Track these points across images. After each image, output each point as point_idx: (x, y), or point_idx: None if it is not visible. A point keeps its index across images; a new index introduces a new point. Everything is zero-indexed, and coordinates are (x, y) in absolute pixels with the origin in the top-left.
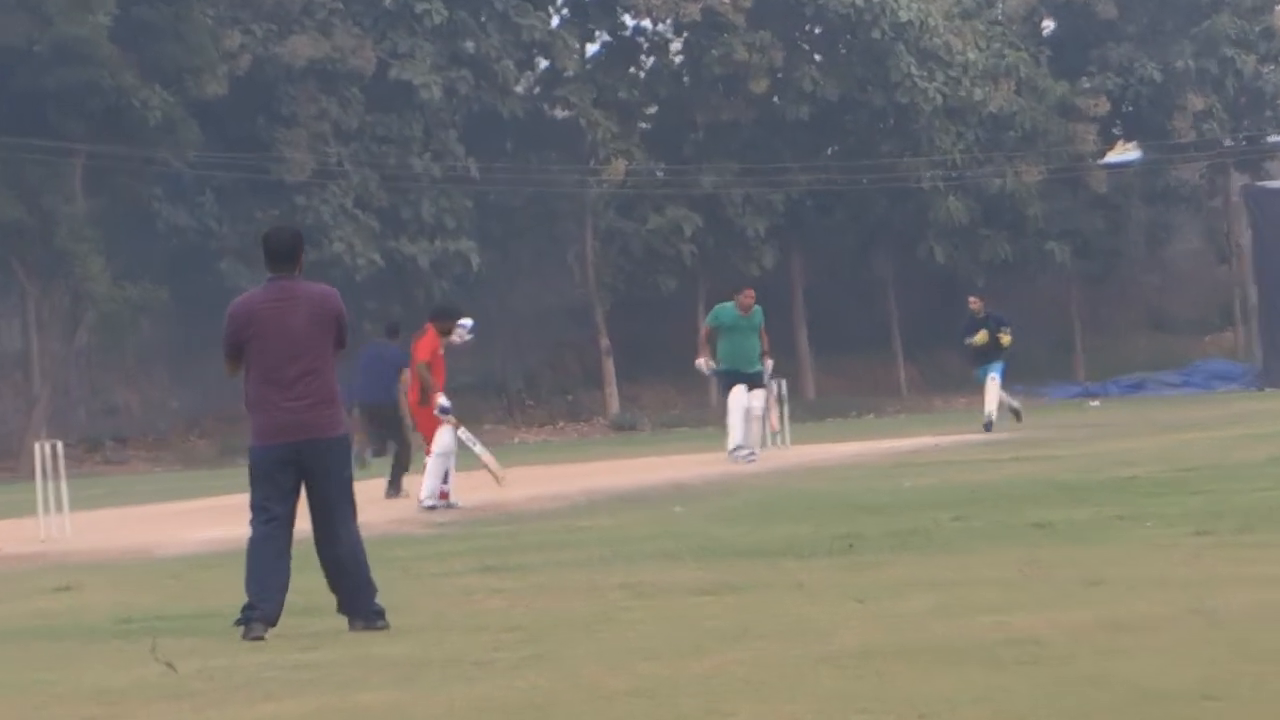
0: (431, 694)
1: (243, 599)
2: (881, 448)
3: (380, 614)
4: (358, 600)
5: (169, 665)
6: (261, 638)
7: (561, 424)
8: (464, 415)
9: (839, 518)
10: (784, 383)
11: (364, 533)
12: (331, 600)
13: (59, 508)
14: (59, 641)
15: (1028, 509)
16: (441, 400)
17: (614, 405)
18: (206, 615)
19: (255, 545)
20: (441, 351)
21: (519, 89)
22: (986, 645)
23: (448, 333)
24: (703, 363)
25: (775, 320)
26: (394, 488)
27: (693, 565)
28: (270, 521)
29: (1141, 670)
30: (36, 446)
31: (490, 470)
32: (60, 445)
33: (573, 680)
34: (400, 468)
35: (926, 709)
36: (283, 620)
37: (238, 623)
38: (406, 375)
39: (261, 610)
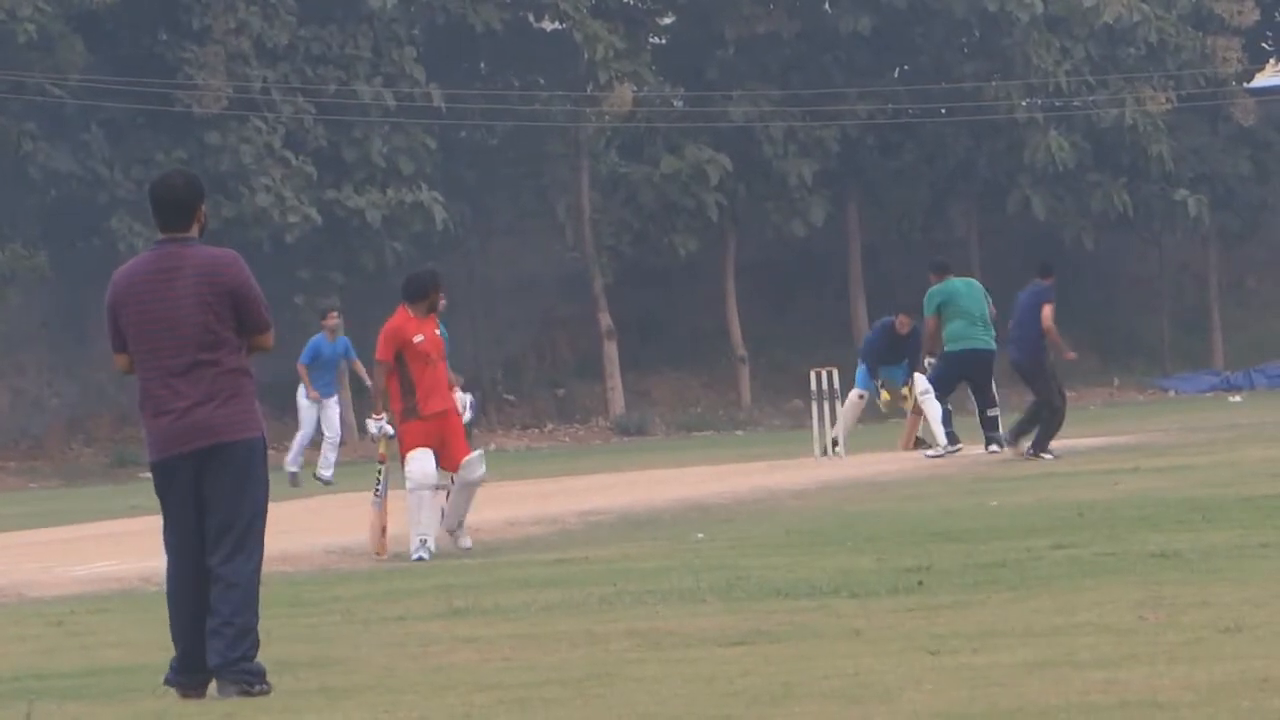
0: None
1: (145, 650)
2: (961, 456)
3: (260, 675)
4: (231, 654)
5: None
6: (201, 695)
7: (551, 426)
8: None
9: (906, 547)
10: (832, 374)
11: (298, 565)
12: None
13: None
14: None
15: (1148, 535)
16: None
17: (618, 402)
18: (96, 672)
19: (170, 583)
20: (419, 340)
21: None
22: (1094, 709)
23: (432, 309)
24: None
25: (824, 291)
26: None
27: (719, 608)
28: (180, 552)
29: None
30: None
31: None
32: None
33: None
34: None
35: None
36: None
37: (168, 680)
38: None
39: (195, 660)
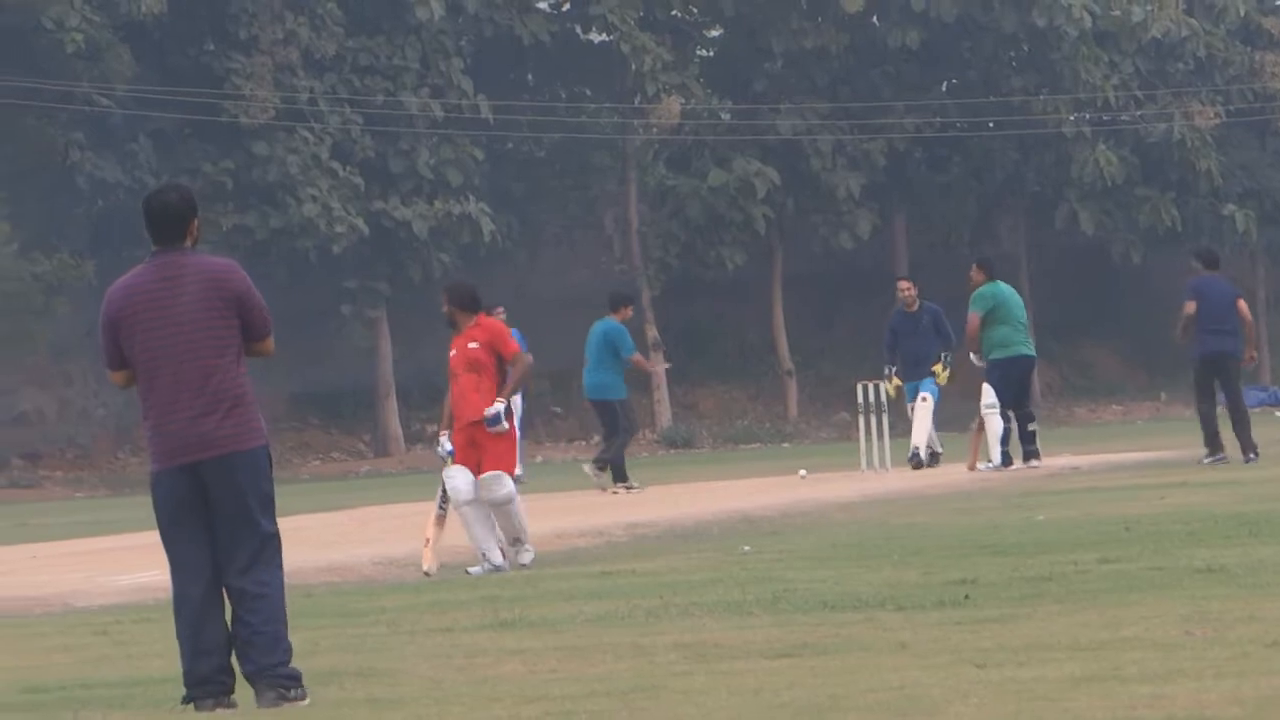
0: None
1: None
2: (1006, 471)
3: (296, 679)
4: (266, 660)
5: None
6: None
7: (597, 438)
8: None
9: (953, 560)
10: (878, 385)
11: (344, 576)
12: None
13: None
14: None
15: (1195, 550)
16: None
17: (665, 414)
18: (141, 682)
19: (178, 602)
20: (452, 354)
21: (543, 5)
22: None
23: (451, 324)
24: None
25: (871, 304)
26: None
27: (766, 620)
28: (186, 565)
29: None
30: None
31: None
32: None
33: None
34: None
35: None
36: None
37: (186, 700)
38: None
39: (201, 674)
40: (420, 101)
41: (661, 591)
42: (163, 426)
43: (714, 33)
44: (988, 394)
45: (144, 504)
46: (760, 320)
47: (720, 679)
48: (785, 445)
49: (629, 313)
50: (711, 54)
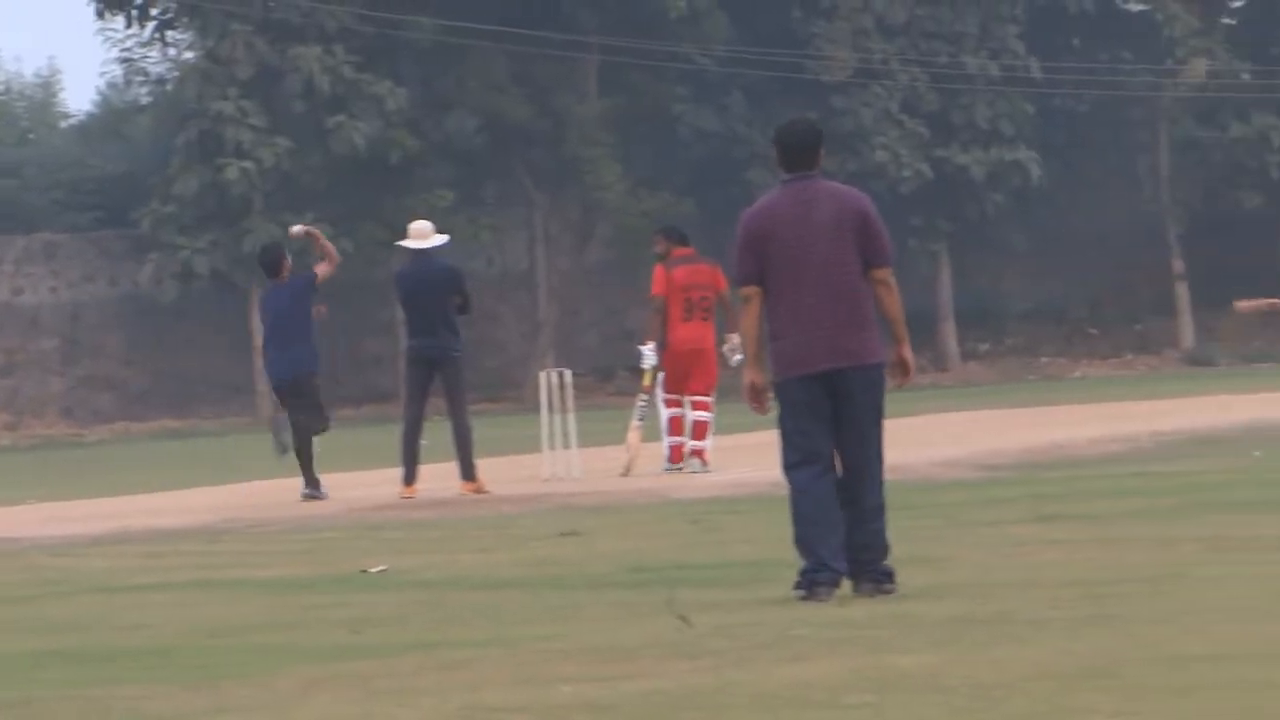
0: (976, 656)
1: (773, 546)
2: None
3: (889, 576)
4: (864, 558)
5: (685, 620)
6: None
7: (1129, 356)
8: (1018, 346)
9: None
10: None
11: (908, 474)
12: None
13: (566, 444)
14: (564, 592)
15: None
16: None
17: (1188, 337)
18: (728, 565)
19: (800, 494)
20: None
21: None
22: None
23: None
24: None
25: None
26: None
27: (1276, 518)
28: (812, 460)
29: None
30: (542, 376)
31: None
32: (569, 374)
33: (1140, 643)
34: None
35: None
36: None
37: (798, 586)
38: None
39: (826, 573)
40: (979, 62)
41: (1182, 491)
42: (797, 335)
43: (1237, 2)
44: None
45: (732, 411)
46: (1272, 255)
47: (1236, 568)
48: None
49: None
50: (1235, 21)
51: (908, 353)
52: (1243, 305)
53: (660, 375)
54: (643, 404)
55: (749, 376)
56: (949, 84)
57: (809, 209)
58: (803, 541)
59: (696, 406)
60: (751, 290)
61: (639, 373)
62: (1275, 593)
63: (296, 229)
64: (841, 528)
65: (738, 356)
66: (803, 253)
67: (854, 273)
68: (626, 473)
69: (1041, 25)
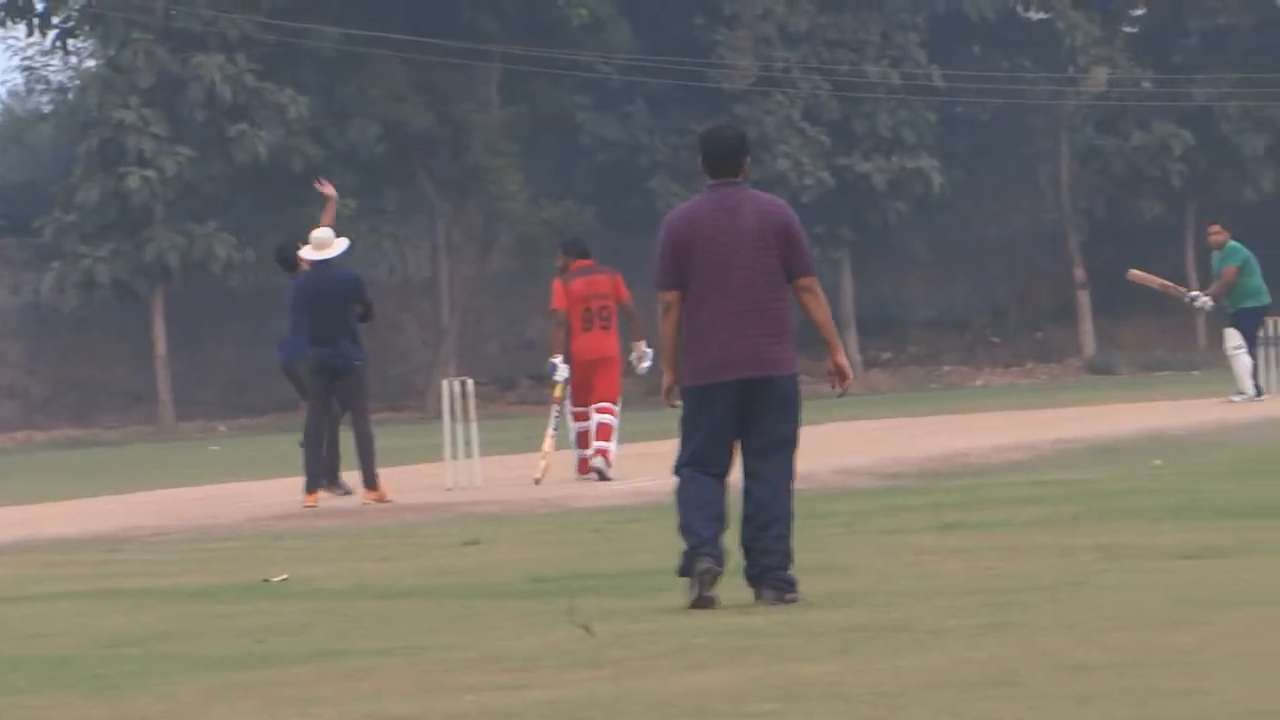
0: (878, 664)
1: (673, 555)
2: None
3: (791, 584)
4: (767, 562)
5: (586, 629)
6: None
7: (1030, 364)
8: (921, 354)
9: None
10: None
11: (810, 483)
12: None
13: (468, 453)
14: (466, 601)
15: None
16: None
17: (1089, 345)
18: (628, 574)
19: (685, 485)
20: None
21: None
22: None
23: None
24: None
25: (1273, 251)
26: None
27: (1175, 525)
28: (706, 464)
29: None
30: (444, 384)
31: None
32: (470, 383)
33: (1040, 651)
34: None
35: None
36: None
37: (681, 571)
38: None
39: (709, 546)
40: (880, 70)
41: (1082, 500)
42: (715, 343)
43: (1138, 11)
44: (1234, 336)
45: (640, 419)
46: (1173, 263)
47: (1134, 576)
48: (1195, 373)
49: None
50: (1136, 30)
51: (842, 359)
52: (1136, 274)
53: (567, 385)
54: (556, 414)
55: (668, 379)
56: (851, 92)
57: (731, 216)
58: (684, 525)
59: (601, 411)
60: (672, 296)
61: (549, 384)
62: (1174, 601)
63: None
64: (724, 523)
65: (645, 364)
66: (724, 260)
67: (775, 282)
68: (540, 480)
69: (943, 33)
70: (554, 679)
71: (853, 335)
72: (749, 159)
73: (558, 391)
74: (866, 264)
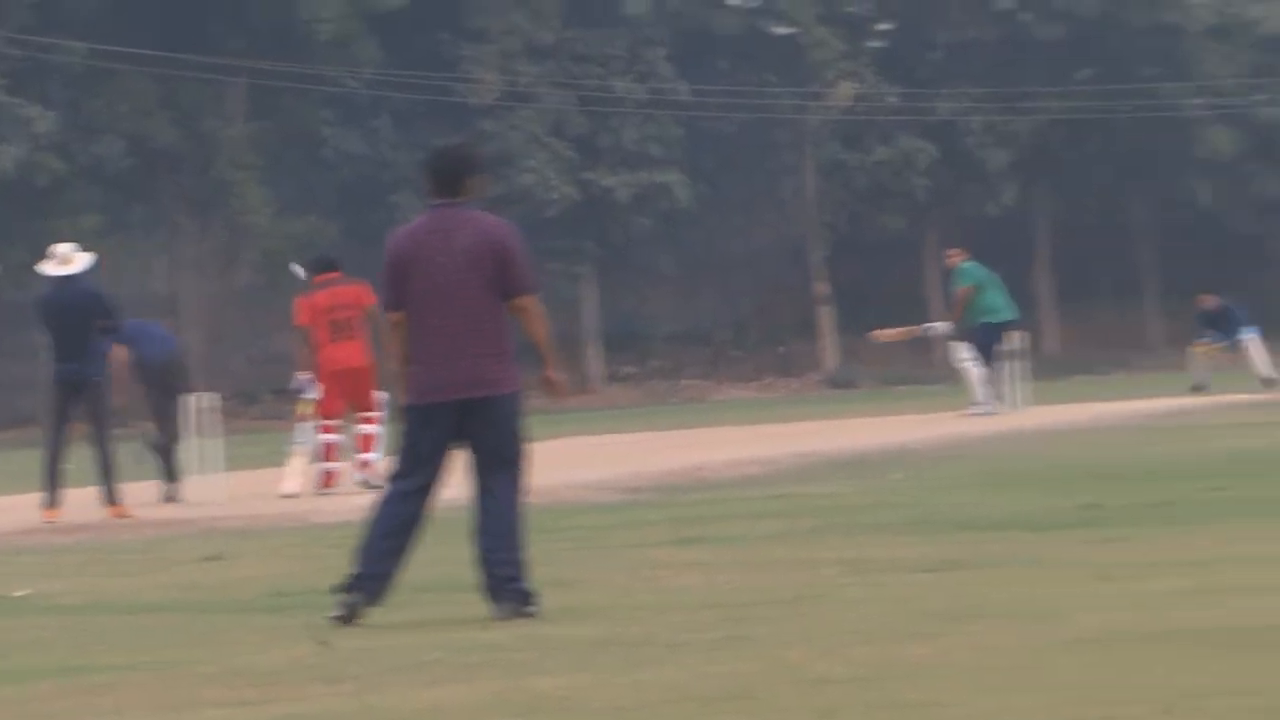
0: (617, 678)
1: (414, 570)
2: (1130, 409)
3: (528, 597)
4: (500, 574)
5: (326, 644)
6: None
7: (771, 379)
8: (664, 368)
9: (1079, 487)
10: (1016, 336)
11: (547, 498)
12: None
13: (211, 468)
14: (207, 616)
15: None
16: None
17: (831, 359)
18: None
19: (382, 509)
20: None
21: (735, 1)
22: (1244, 630)
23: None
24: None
25: (1015, 265)
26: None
27: (914, 538)
28: (418, 484)
29: None
30: (190, 399)
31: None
32: (214, 398)
33: (777, 664)
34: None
35: (1175, 702)
36: (457, 596)
37: (337, 589)
38: None
39: (370, 583)
40: (627, 85)
41: (823, 513)
42: (433, 362)
43: (883, 26)
44: (963, 349)
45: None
46: (914, 277)
47: (874, 589)
48: (934, 387)
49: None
50: (881, 45)
51: (553, 373)
52: (880, 334)
53: (316, 401)
54: (303, 429)
55: (401, 398)
56: (597, 107)
57: (449, 237)
58: (363, 550)
59: (363, 420)
60: (396, 317)
61: (297, 401)
62: (914, 613)
63: None
64: (402, 558)
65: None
66: (443, 280)
67: (492, 302)
68: (287, 495)
69: (689, 48)
70: (295, 693)
71: (597, 349)
72: (476, 179)
73: (305, 409)
74: (611, 278)
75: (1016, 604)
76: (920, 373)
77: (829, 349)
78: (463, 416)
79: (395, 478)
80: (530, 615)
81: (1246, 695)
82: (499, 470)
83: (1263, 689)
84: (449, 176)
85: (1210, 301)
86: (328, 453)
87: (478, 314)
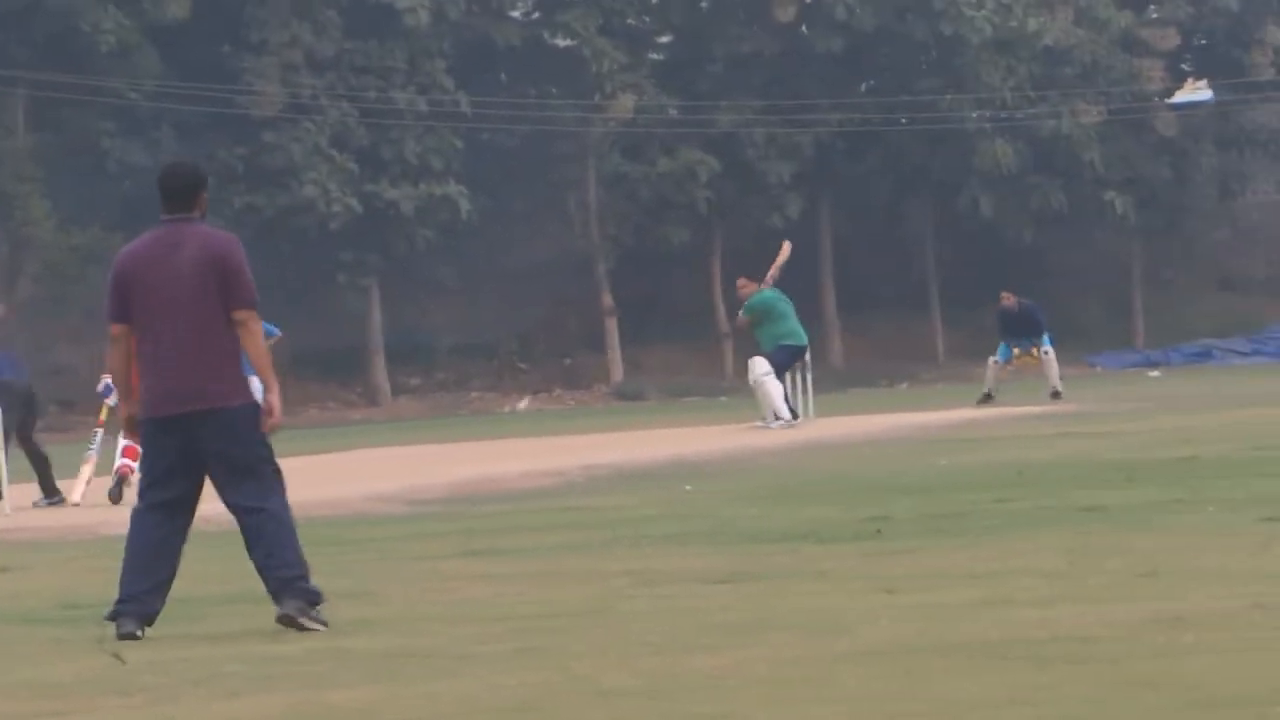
0: (410, 691)
1: (207, 582)
2: (915, 421)
3: (315, 594)
4: (283, 575)
5: (117, 657)
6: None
7: (558, 391)
8: (449, 381)
9: (867, 499)
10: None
11: (336, 510)
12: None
13: None
14: None
15: (1077, 491)
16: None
17: (617, 371)
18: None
19: (135, 531)
20: None
21: (515, 14)
22: (1029, 642)
23: None
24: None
25: (799, 278)
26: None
27: (704, 550)
28: (155, 501)
29: (1201, 672)
30: None
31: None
32: None
33: (568, 676)
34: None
35: (961, 712)
36: (250, 609)
37: (109, 616)
38: None
39: (136, 605)
40: (408, 97)
41: (613, 525)
42: (157, 378)
43: (664, 39)
44: (760, 364)
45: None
46: (701, 289)
47: (664, 601)
48: (723, 399)
49: None
50: (662, 57)
51: (272, 399)
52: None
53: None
54: (97, 436)
55: (124, 411)
56: (379, 119)
57: (172, 252)
58: (123, 575)
59: None
60: (119, 330)
61: (103, 404)
62: (704, 625)
63: None
64: (167, 570)
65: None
66: (166, 295)
67: (214, 317)
68: (77, 502)
69: (471, 60)
70: (87, 706)
71: (381, 361)
72: (205, 194)
73: (103, 414)
74: (394, 290)
75: (805, 616)
76: (706, 383)
77: (616, 361)
78: (195, 429)
79: (143, 492)
80: (319, 612)
81: (1033, 706)
82: (244, 482)
83: (1049, 699)
84: (179, 192)
85: (1009, 300)
86: (127, 453)
87: (203, 327)
